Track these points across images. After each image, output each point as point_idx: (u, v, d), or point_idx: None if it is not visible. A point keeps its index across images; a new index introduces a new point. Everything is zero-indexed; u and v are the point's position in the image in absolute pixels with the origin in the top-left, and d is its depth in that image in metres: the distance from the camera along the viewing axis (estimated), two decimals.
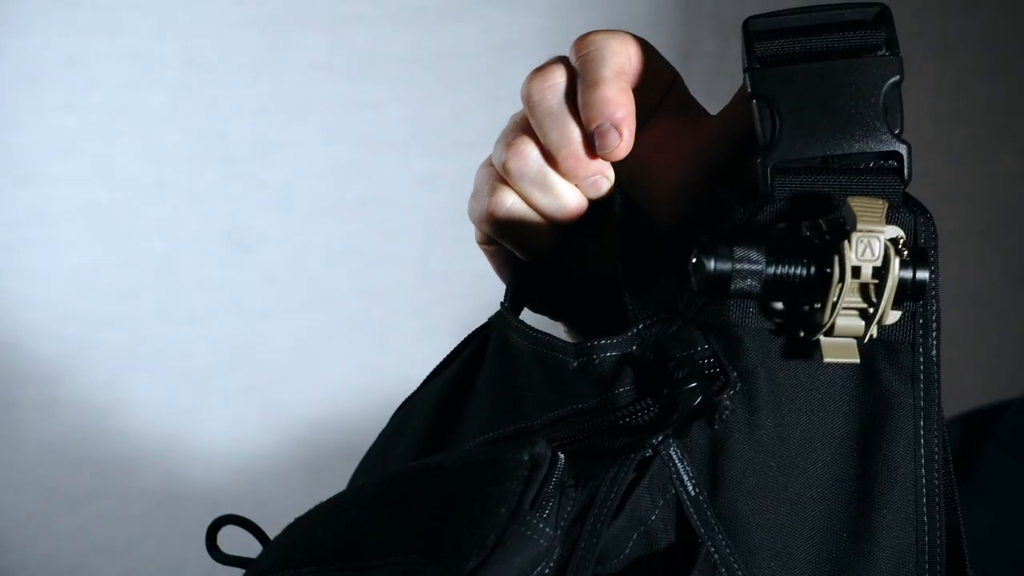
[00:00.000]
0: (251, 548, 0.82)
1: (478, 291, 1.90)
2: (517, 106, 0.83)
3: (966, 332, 2.08)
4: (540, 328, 0.81)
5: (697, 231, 0.73)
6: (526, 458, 0.69)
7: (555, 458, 0.70)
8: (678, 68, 0.83)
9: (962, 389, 2.07)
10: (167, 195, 1.92)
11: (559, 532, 0.69)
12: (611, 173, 0.80)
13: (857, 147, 0.73)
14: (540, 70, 0.81)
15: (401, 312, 2.00)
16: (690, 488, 0.72)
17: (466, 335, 0.87)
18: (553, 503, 0.69)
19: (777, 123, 0.73)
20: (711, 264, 0.70)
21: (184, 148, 1.93)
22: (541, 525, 0.68)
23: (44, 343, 1.91)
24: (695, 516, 0.72)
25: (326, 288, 1.98)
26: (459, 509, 0.69)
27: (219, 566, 0.84)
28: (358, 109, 1.97)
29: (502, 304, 0.84)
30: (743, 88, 0.75)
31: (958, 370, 2.08)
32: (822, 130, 0.73)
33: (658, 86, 0.82)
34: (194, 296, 1.95)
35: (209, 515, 2.01)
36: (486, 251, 0.87)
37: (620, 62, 0.79)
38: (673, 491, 0.72)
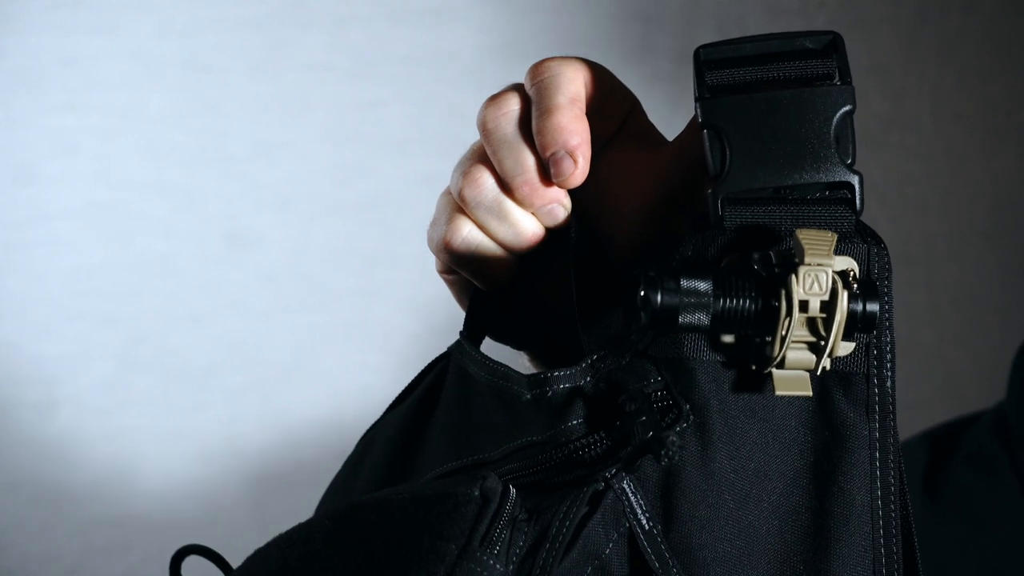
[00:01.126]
0: None
1: None
2: None
3: (966, 332, 2.07)
4: (501, 358, 0.81)
5: (649, 261, 0.73)
6: (476, 493, 0.69)
7: (506, 492, 0.69)
8: (677, 69, 0.82)
9: (962, 389, 2.06)
10: (167, 195, 1.93)
11: (510, 568, 0.69)
12: (568, 201, 0.79)
13: (808, 177, 0.72)
14: (495, 98, 0.80)
15: (401, 312, 2.00)
16: (644, 521, 0.71)
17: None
18: (504, 538, 0.69)
19: (728, 153, 0.73)
20: (658, 298, 0.70)
21: (184, 148, 1.93)
22: (491, 561, 0.68)
23: (44, 343, 1.92)
24: (649, 550, 0.71)
25: (326, 288, 1.98)
26: (408, 545, 0.69)
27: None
28: (358, 109, 1.97)
29: (461, 333, 0.84)
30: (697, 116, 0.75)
31: (958, 370, 2.07)
32: (773, 160, 0.72)
33: (615, 113, 0.81)
34: (194, 296, 1.95)
35: (209, 515, 2.01)
36: (446, 280, 0.86)
37: (575, 89, 0.78)
38: (627, 524, 0.71)
